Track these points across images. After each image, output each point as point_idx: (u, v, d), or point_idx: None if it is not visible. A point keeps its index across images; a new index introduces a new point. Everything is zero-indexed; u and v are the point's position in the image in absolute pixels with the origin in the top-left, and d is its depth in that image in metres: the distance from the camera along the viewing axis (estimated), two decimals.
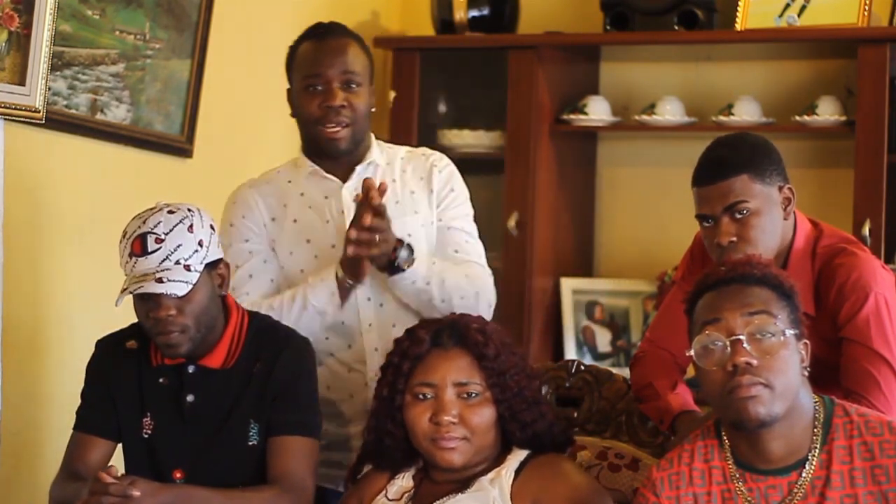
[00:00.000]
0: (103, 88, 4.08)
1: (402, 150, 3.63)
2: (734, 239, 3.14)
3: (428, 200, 3.54)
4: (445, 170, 3.59)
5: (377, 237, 3.31)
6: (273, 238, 3.49)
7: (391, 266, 3.37)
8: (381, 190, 3.33)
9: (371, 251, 3.32)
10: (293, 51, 3.53)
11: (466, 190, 3.61)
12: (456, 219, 3.56)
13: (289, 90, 3.53)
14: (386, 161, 3.55)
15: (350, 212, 3.43)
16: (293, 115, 3.53)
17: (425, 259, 3.43)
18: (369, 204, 3.31)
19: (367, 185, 3.33)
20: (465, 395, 2.97)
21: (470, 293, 3.46)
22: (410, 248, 3.39)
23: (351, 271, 3.39)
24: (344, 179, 3.50)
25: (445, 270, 3.45)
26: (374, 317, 3.45)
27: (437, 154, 3.64)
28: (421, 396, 2.99)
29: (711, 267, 3.11)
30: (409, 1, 5.34)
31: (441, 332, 3.02)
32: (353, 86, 3.45)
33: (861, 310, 3.14)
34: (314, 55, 3.47)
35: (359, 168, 3.50)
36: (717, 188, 3.16)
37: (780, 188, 3.20)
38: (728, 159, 3.17)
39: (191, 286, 3.08)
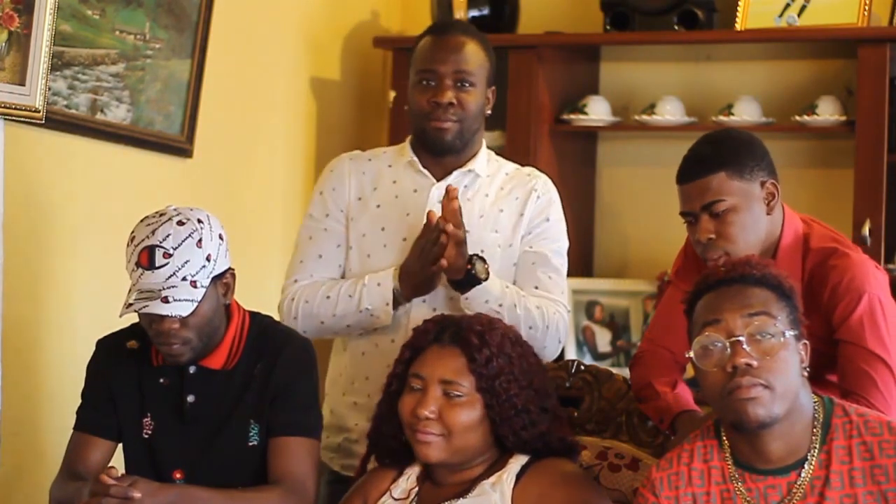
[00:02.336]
0: (103, 88, 4.08)
1: (510, 167, 3.61)
2: (713, 236, 3.17)
3: (515, 223, 3.52)
4: (544, 196, 3.56)
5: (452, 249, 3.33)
6: (352, 217, 3.50)
7: (467, 279, 3.37)
8: (451, 196, 3.34)
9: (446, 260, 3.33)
10: (415, 45, 3.52)
11: (563, 221, 3.58)
12: (543, 253, 3.52)
13: (408, 87, 3.53)
14: (488, 173, 3.54)
15: (438, 211, 3.41)
16: (408, 109, 3.54)
17: (499, 280, 3.42)
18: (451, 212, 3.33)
19: (450, 192, 3.35)
20: (450, 394, 2.99)
21: (539, 325, 3.44)
22: (484, 261, 3.40)
23: (410, 287, 3.40)
24: (439, 179, 3.50)
25: (519, 297, 3.44)
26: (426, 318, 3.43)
27: (543, 178, 3.60)
28: (412, 387, 3.01)
29: (707, 266, 3.14)
30: (409, 1, 5.34)
31: (445, 329, 3.04)
32: (466, 84, 3.43)
33: (855, 311, 3.14)
34: (430, 51, 3.46)
35: (456, 172, 3.49)
36: (695, 186, 3.19)
37: (763, 183, 3.20)
38: (707, 157, 3.20)
39: (195, 304, 3.07)
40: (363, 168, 3.55)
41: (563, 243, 3.57)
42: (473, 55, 3.46)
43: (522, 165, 3.67)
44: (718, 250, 3.15)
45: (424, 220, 3.40)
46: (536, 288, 3.51)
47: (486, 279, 3.38)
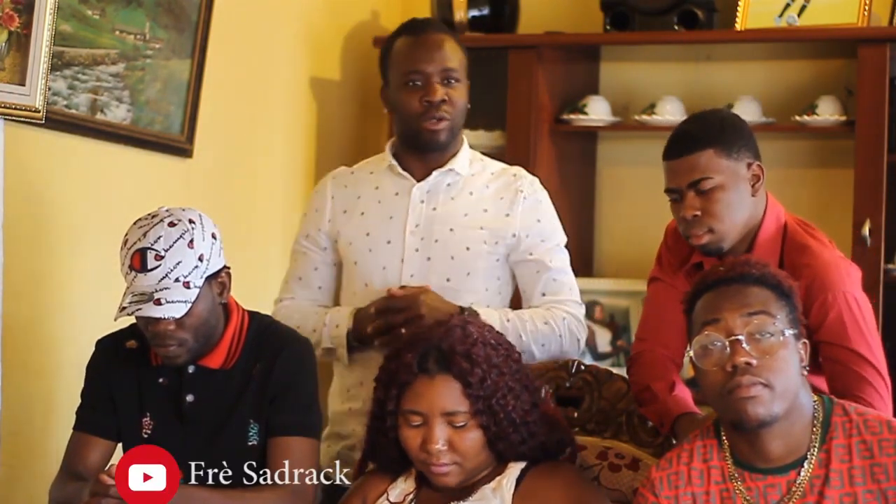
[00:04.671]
0: (103, 88, 4.08)
1: (496, 166, 3.64)
2: (698, 213, 3.18)
3: (502, 223, 3.54)
4: (531, 198, 3.58)
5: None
6: (338, 230, 3.56)
7: None
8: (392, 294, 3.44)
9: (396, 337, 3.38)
10: (388, 47, 3.55)
11: (555, 215, 3.62)
12: (542, 259, 3.55)
13: (383, 88, 3.58)
14: (471, 172, 3.57)
15: (415, 212, 3.51)
16: (390, 111, 3.59)
17: (496, 316, 3.45)
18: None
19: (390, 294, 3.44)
20: (454, 424, 2.94)
21: (552, 339, 3.50)
22: (473, 312, 3.43)
23: (361, 339, 3.47)
24: (419, 179, 3.53)
25: (522, 324, 3.47)
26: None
27: (529, 178, 3.62)
28: (411, 423, 2.96)
29: (690, 244, 3.19)
30: (409, 1, 5.33)
31: (427, 357, 2.96)
32: (452, 81, 3.49)
33: (830, 311, 3.13)
34: (412, 51, 3.50)
35: (435, 173, 3.53)
36: (683, 162, 3.20)
37: (749, 165, 3.22)
38: (695, 134, 3.22)
39: (189, 304, 3.07)
40: (345, 182, 3.62)
41: (560, 238, 3.61)
42: (454, 52, 3.52)
43: (510, 165, 3.70)
44: (703, 227, 3.18)
45: (406, 225, 3.49)
46: (544, 295, 3.55)
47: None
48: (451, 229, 3.50)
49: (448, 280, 3.49)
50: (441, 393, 2.95)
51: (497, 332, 3.09)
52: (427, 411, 2.94)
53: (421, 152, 3.53)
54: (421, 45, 3.51)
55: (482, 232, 3.52)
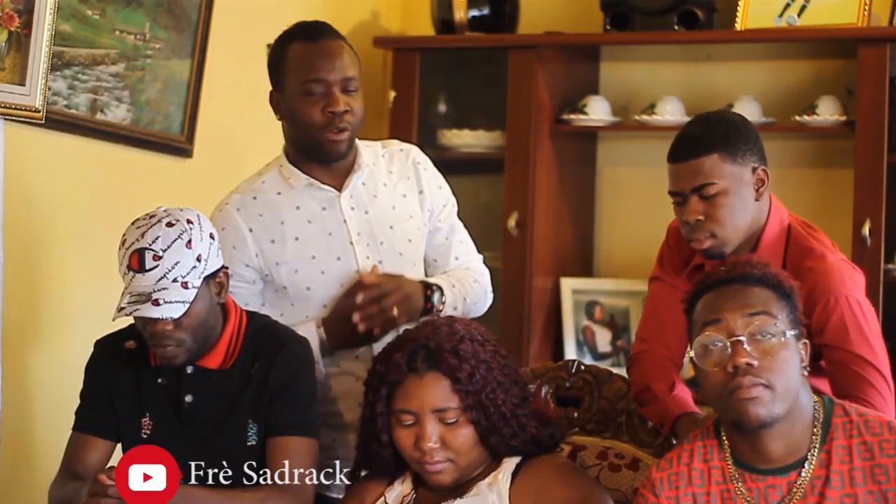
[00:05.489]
0: (103, 88, 4.08)
1: (378, 147, 3.58)
2: (701, 217, 3.17)
3: (419, 202, 3.53)
4: (429, 166, 3.59)
5: (393, 310, 3.36)
6: (275, 262, 3.42)
7: (426, 311, 3.42)
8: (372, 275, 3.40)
9: (389, 320, 3.36)
10: (282, 52, 3.44)
11: (440, 174, 3.62)
12: (448, 220, 3.59)
13: (273, 93, 3.45)
14: (372, 162, 3.52)
15: (353, 222, 3.44)
16: (281, 118, 3.45)
17: (448, 288, 3.47)
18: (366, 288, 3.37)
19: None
20: (445, 420, 2.95)
21: (481, 296, 3.58)
22: (440, 290, 3.44)
23: (339, 343, 3.41)
24: (339, 188, 3.46)
25: (464, 288, 3.51)
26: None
27: (413, 148, 3.60)
28: (403, 423, 2.97)
29: (692, 247, 3.19)
30: (409, 1, 5.34)
31: (415, 356, 2.96)
32: (352, 90, 3.39)
33: (833, 314, 3.12)
34: (312, 58, 3.39)
35: (354, 177, 3.46)
36: (687, 166, 3.18)
37: (754, 169, 3.20)
38: (700, 138, 3.19)
39: (187, 305, 3.07)
40: (256, 211, 3.44)
41: (452, 195, 3.62)
42: (351, 60, 3.42)
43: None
44: (705, 232, 3.17)
45: (350, 237, 3.43)
46: (457, 259, 3.58)
47: (443, 308, 3.44)
48: (391, 227, 3.47)
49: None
50: (431, 390, 2.95)
51: (483, 328, 3.09)
52: (418, 409, 2.95)
53: (326, 163, 3.43)
54: (320, 52, 3.39)
55: (413, 220, 3.51)
